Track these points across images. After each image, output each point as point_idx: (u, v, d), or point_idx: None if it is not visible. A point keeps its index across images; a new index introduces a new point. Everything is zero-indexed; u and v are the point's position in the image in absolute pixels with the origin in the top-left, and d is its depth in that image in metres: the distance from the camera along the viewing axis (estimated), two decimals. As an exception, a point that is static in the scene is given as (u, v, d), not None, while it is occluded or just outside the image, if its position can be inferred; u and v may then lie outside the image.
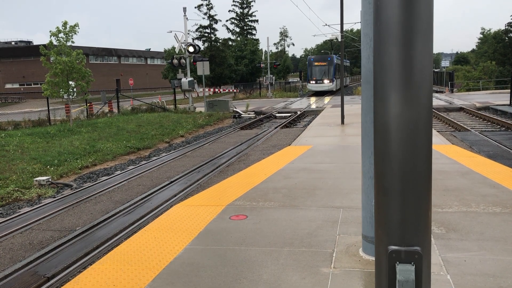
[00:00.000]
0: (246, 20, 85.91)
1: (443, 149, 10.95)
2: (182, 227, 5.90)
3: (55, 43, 19.56)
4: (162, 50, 72.63)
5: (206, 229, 5.78)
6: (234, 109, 28.81)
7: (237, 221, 6.03)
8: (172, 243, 5.31)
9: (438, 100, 30.74)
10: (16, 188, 10.56)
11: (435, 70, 58.69)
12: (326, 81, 50.08)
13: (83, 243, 6.96)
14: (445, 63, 62.60)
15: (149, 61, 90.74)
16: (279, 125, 21.57)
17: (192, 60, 31.09)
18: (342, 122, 17.64)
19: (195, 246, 5.22)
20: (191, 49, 30.29)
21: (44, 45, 20.12)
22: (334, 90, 50.75)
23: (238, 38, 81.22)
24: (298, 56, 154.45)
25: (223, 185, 8.37)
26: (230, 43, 74.36)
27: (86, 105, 26.92)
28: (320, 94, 49.51)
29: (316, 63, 50.84)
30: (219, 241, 5.35)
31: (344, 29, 18.24)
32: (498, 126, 19.00)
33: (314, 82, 50.34)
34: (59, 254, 6.54)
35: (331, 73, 50.06)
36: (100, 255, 6.31)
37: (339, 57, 54.20)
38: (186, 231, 5.70)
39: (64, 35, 19.49)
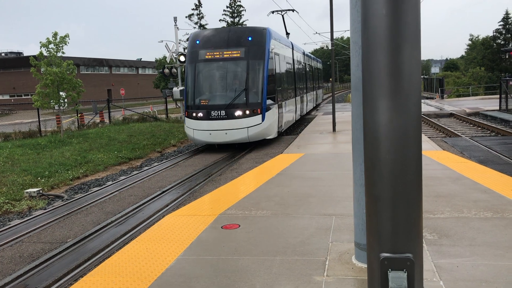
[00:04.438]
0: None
1: (434, 155, 11.00)
2: (174, 237, 5.85)
3: (45, 54, 19.47)
4: (153, 60, 72.59)
5: (198, 239, 5.74)
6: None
7: (229, 231, 6.00)
8: (164, 254, 5.27)
9: (429, 106, 30.95)
10: (6, 201, 10.45)
11: (425, 76, 59.18)
12: (239, 111, 15.83)
13: (74, 255, 6.89)
14: (435, 69, 62.98)
15: (140, 71, 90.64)
16: (271, 133, 21.38)
17: (183, 70, 31.11)
18: (334, 129, 17.69)
19: (187, 256, 5.18)
20: (182, 58, 30.25)
21: (34, 56, 20.02)
22: (273, 136, 17.03)
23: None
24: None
25: (215, 194, 8.34)
26: (221, 52, 74.30)
27: (77, 115, 26.78)
28: (222, 149, 16.74)
29: (209, 54, 16.61)
30: (211, 251, 5.32)
31: (334, 37, 18.36)
32: (488, 132, 19.16)
33: (201, 114, 16.13)
34: (49, 267, 6.47)
35: (259, 81, 16.26)
36: (91, 267, 6.24)
37: (281, 39, 20.54)
38: (178, 242, 5.66)
39: (54, 46, 19.42)
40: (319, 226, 5.94)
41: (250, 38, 16.49)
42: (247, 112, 15.79)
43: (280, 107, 18.03)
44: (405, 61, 2.39)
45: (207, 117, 15.90)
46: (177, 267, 4.87)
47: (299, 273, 4.54)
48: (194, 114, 16.27)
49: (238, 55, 16.32)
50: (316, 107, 34.90)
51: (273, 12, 27.40)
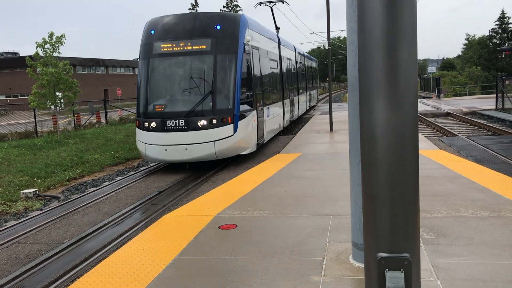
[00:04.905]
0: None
1: (431, 154, 11.02)
2: (171, 237, 5.84)
3: (41, 54, 19.41)
4: (150, 60, 72.30)
5: (196, 239, 5.73)
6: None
7: (226, 231, 5.99)
8: (161, 254, 5.25)
9: (426, 106, 31.02)
10: (2, 201, 10.41)
11: (422, 76, 59.28)
12: (204, 120, 12.26)
13: (70, 256, 6.86)
14: (431, 69, 63.08)
15: (137, 71, 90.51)
16: (268, 133, 21.25)
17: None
18: (331, 129, 17.70)
19: (184, 256, 5.17)
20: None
21: (30, 57, 19.95)
22: (250, 150, 13.62)
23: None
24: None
25: (212, 194, 8.32)
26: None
27: (74, 116, 26.71)
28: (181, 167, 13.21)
29: (165, 47, 13.06)
30: (208, 251, 5.31)
31: (331, 37, 18.37)
32: (485, 131, 19.21)
33: (154, 124, 12.47)
34: (46, 268, 6.44)
35: (230, 82, 12.71)
36: (88, 268, 6.22)
37: (263, 31, 16.69)
38: (175, 242, 5.65)
39: (50, 46, 19.37)
40: (317, 226, 5.94)
41: (218, 27, 12.79)
42: (214, 121, 12.24)
43: (259, 113, 14.49)
44: (401, 61, 2.38)
45: (162, 128, 12.30)
46: (174, 268, 4.86)
47: (297, 273, 4.53)
48: (146, 124, 12.56)
49: (203, 48, 12.70)
50: (310, 110, 32.56)
51: (260, 3, 23.65)
